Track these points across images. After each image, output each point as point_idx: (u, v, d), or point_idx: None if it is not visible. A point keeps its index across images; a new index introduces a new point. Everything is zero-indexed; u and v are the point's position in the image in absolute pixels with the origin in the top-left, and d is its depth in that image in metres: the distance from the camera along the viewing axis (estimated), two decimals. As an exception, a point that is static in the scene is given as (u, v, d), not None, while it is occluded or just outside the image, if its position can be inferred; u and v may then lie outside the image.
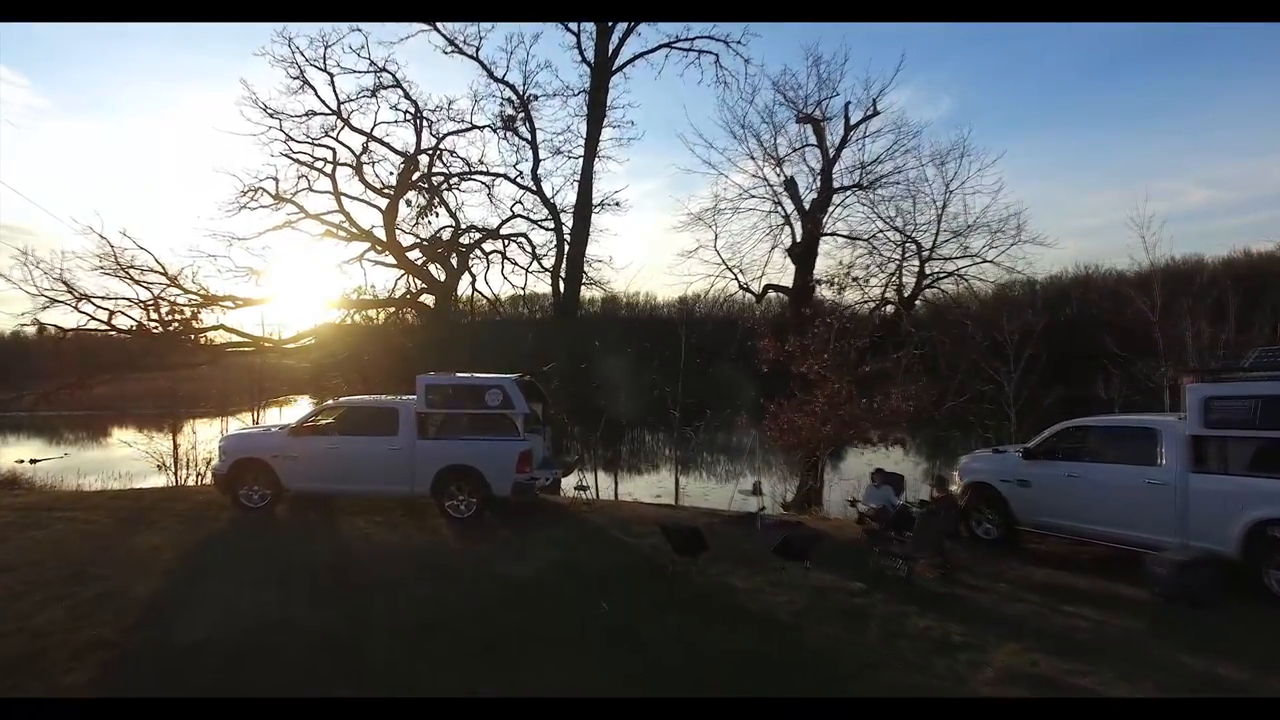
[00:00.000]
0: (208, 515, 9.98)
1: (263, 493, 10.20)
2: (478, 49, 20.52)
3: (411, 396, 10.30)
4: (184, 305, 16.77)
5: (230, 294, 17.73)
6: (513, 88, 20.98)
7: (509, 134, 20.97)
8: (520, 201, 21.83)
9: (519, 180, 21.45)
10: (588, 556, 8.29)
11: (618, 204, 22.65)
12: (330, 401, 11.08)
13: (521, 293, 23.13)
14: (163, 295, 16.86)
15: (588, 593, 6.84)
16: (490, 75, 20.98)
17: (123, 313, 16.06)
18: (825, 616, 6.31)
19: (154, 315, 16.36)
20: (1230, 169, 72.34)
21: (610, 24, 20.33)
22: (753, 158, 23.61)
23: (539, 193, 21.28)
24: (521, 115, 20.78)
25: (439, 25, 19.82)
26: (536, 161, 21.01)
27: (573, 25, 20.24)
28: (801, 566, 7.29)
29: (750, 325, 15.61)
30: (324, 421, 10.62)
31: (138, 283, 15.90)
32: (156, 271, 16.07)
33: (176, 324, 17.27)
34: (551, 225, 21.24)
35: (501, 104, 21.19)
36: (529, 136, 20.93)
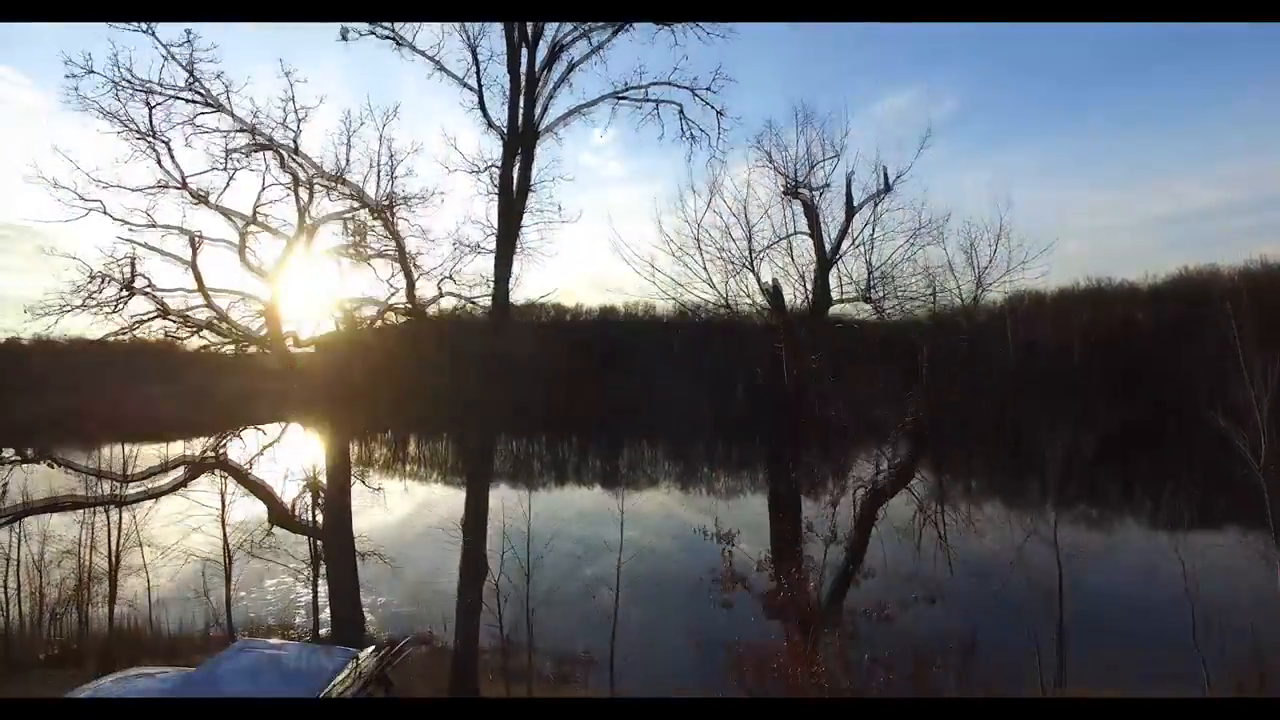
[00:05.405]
0: None
1: None
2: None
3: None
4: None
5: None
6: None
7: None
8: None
9: (391, 282, 17.34)
10: None
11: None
12: None
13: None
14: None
15: None
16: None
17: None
18: None
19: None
20: (1236, 167, 71.07)
21: (536, 80, 14.53)
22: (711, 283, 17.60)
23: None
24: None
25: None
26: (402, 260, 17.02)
27: (471, 81, 14.22)
28: None
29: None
30: None
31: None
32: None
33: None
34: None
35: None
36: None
